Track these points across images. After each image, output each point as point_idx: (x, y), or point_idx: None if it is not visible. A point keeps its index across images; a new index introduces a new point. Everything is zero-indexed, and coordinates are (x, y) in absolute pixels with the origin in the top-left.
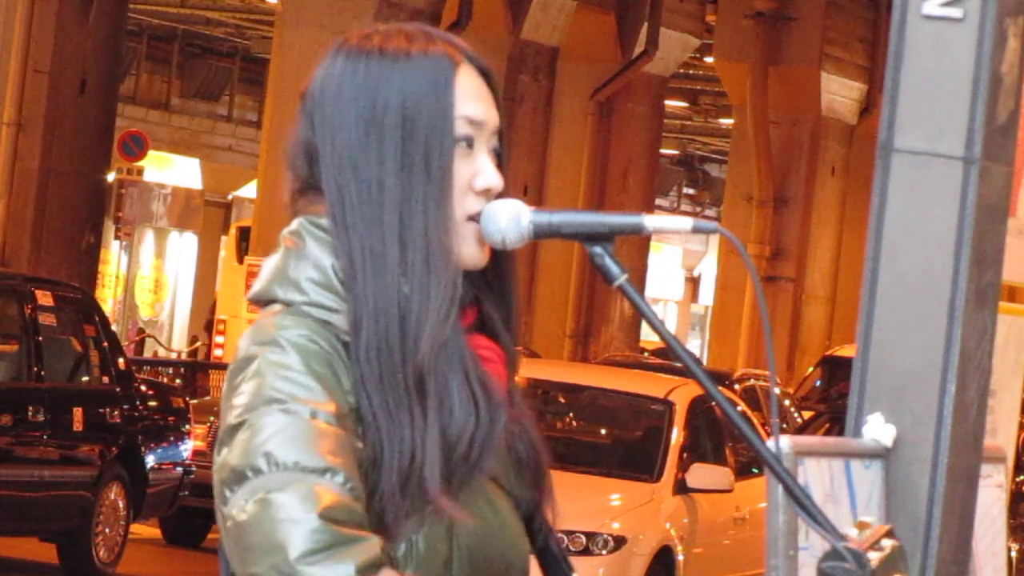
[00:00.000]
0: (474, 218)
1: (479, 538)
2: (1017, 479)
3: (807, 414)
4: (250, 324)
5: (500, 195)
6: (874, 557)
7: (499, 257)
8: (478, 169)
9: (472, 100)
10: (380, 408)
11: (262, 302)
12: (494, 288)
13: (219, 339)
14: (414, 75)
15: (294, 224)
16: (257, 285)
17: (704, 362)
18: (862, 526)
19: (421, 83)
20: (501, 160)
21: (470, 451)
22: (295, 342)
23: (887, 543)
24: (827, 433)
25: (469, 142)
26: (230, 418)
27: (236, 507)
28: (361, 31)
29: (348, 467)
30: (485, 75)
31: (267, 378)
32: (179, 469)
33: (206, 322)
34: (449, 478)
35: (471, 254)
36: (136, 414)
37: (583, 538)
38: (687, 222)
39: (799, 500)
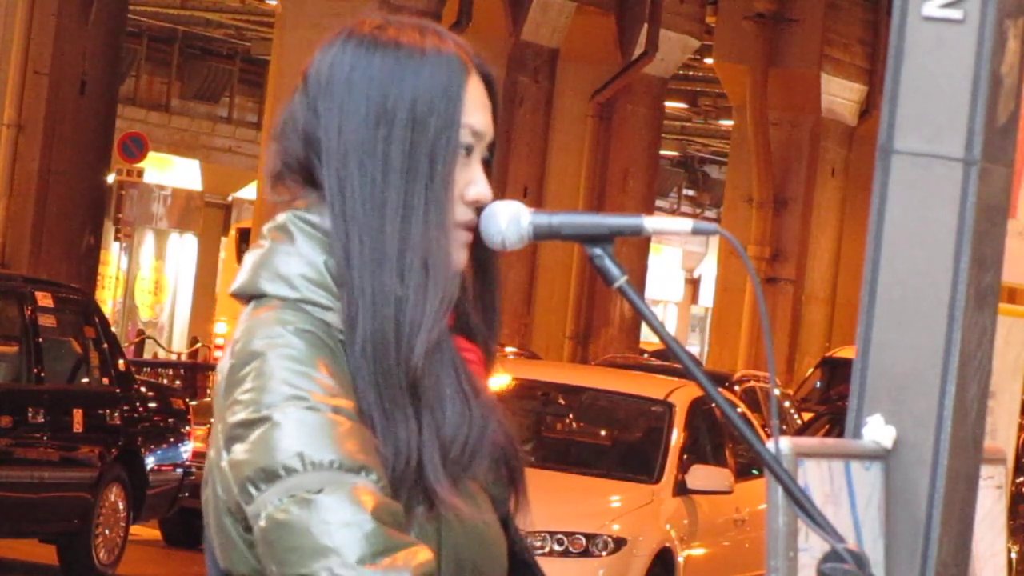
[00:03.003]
0: (460, 225)
1: (465, 538)
2: (1017, 480)
3: (807, 415)
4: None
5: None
6: None
7: (485, 257)
8: (472, 179)
9: (478, 110)
10: (376, 408)
11: (246, 296)
12: (478, 288)
13: (219, 340)
14: (428, 76)
15: (280, 219)
16: (241, 278)
17: (704, 363)
18: None
19: (434, 85)
20: (489, 171)
21: (462, 454)
22: (304, 338)
23: None
24: (827, 434)
25: (469, 150)
26: (243, 413)
27: (271, 505)
28: (372, 20)
29: (377, 465)
30: (488, 84)
31: (283, 373)
32: (179, 470)
33: None
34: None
35: (456, 259)
36: (136, 415)
37: (583, 539)
38: (687, 223)
39: (799, 501)
